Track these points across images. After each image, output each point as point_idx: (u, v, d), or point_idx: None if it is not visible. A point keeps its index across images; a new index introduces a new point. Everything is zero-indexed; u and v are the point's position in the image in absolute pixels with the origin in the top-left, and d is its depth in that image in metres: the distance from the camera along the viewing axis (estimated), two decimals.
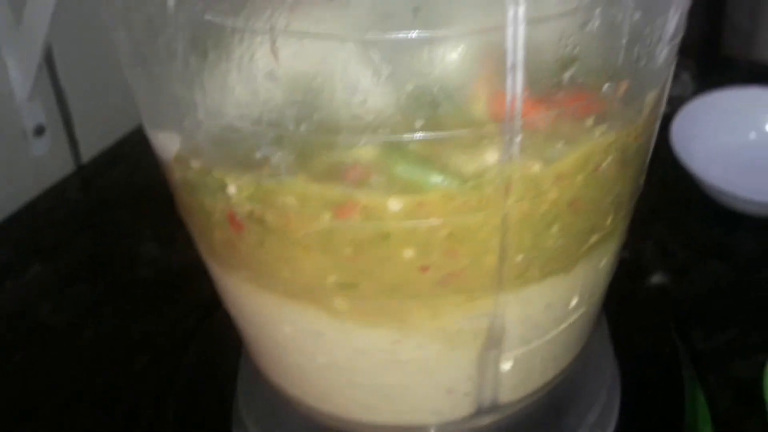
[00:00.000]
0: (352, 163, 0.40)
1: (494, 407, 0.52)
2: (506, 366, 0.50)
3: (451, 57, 0.39)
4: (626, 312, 0.63)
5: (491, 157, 0.41)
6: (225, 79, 0.40)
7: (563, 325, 0.51)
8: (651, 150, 0.49)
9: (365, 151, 0.40)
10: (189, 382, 0.65)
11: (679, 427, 0.59)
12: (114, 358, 0.79)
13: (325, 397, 0.53)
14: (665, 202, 0.90)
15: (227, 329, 0.56)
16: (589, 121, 0.42)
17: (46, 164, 1.00)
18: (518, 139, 0.40)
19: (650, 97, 0.45)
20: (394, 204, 0.41)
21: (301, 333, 0.49)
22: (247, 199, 0.43)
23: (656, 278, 0.84)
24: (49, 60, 0.98)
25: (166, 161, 0.47)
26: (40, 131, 0.98)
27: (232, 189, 0.43)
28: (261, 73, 0.39)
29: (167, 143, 0.46)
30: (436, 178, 0.41)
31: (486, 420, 0.53)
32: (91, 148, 1.06)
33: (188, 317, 0.82)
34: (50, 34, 0.91)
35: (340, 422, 0.54)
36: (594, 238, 0.47)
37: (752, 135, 1.00)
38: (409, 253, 0.43)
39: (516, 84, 0.39)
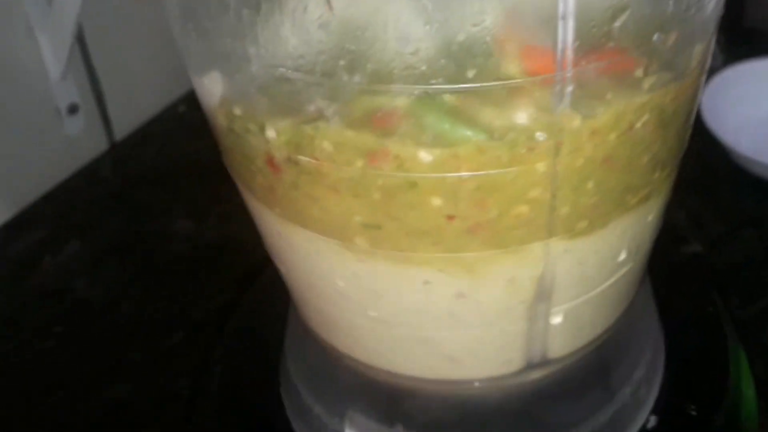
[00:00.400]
0: (390, 110, 0.41)
1: (544, 362, 0.52)
2: (556, 320, 0.50)
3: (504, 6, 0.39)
4: (667, 275, 0.63)
5: (525, 113, 0.41)
6: (278, 30, 0.40)
7: (611, 280, 0.51)
8: (696, 106, 0.49)
9: (403, 101, 0.40)
10: (236, 343, 0.65)
11: (724, 386, 0.59)
12: (151, 332, 0.80)
13: (374, 352, 0.54)
14: (697, 174, 0.89)
15: (274, 290, 0.56)
16: (638, 73, 0.42)
17: (79, 143, 1.01)
18: (569, 90, 0.40)
19: (698, 50, 0.45)
20: (426, 155, 0.41)
21: (347, 282, 0.49)
22: (285, 144, 0.44)
23: (691, 248, 0.84)
24: (81, 39, 0.98)
25: (211, 107, 0.47)
26: (73, 110, 0.99)
27: (271, 133, 0.44)
28: (314, 24, 0.39)
29: (212, 89, 0.46)
30: (466, 132, 0.41)
31: (535, 375, 0.53)
32: (124, 126, 1.06)
33: (223, 292, 0.82)
34: (82, 14, 0.91)
35: (389, 376, 0.54)
36: (642, 193, 0.47)
37: None
38: (437, 201, 0.43)
39: (567, 34, 0.39)
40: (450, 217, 0.43)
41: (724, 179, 0.92)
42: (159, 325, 0.80)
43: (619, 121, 0.42)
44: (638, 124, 0.43)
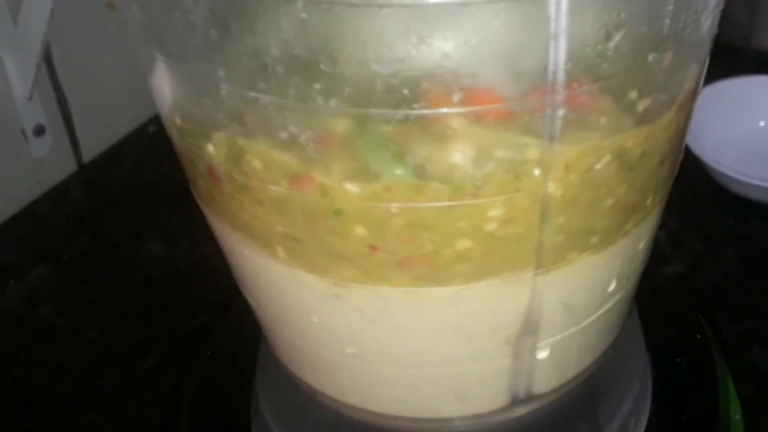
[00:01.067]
0: (324, 134, 0.39)
1: (529, 398, 0.51)
2: (542, 354, 0.48)
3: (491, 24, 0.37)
4: (651, 299, 0.62)
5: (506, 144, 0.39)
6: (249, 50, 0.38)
7: (601, 311, 0.49)
8: (689, 127, 0.47)
9: (342, 125, 0.38)
10: (206, 376, 0.63)
11: (713, 415, 0.58)
12: (120, 359, 0.77)
13: (350, 390, 0.52)
14: (677, 192, 0.88)
15: (245, 320, 0.55)
16: (632, 95, 0.40)
17: (46, 165, 0.99)
18: (560, 113, 0.38)
19: (692, 70, 0.43)
20: (352, 187, 0.39)
21: (320, 317, 0.47)
22: (224, 157, 0.42)
23: (672, 268, 0.83)
24: (48, 59, 0.96)
25: (164, 116, 0.46)
26: (40, 131, 0.96)
27: (210, 147, 0.43)
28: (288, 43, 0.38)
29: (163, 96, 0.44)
30: (398, 170, 0.39)
31: (520, 411, 0.51)
32: (92, 147, 1.04)
33: (195, 317, 0.80)
34: (48, 32, 0.89)
35: (365, 414, 0.52)
36: (634, 219, 0.45)
37: (762, 123, 1.00)
38: (360, 230, 0.41)
39: (559, 54, 0.37)
40: (373, 248, 0.42)
41: (705, 198, 0.91)
42: (129, 352, 0.78)
43: (616, 143, 0.40)
44: (630, 147, 0.41)
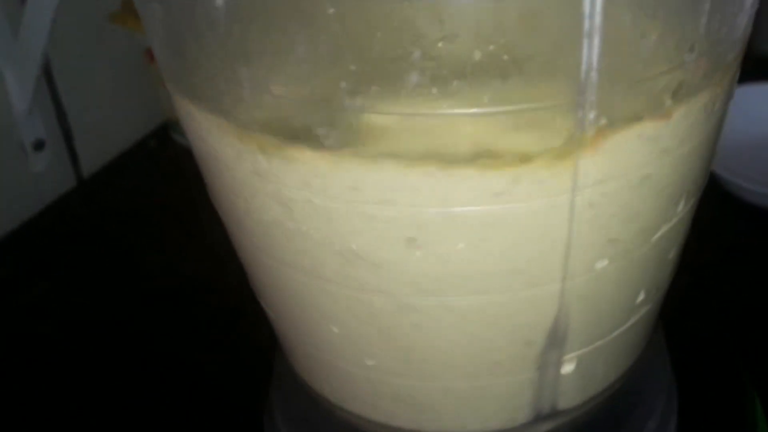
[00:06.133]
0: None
1: (553, 413, 0.49)
2: (568, 368, 0.47)
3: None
4: (675, 316, 0.60)
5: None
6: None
7: (629, 323, 0.47)
8: (721, 132, 0.46)
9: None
10: (216, 392, 0.61)
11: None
12: (123, 374, 0.75)
13: (369, 404, 0.50)
14: None
15: (257, 334, 0.53)
16: (667, 96, 0.39)
17: (46, 180, 0.97)
18: (592, 115, 0.37)
19: (727, 71, 0.42)
20: None
21: (341, 327, 0.45)
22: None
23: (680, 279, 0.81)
24: (47, 73, 0.95)
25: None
26: (39, 146, 0.95)
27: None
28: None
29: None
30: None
31: (544, 427, 0.50)
32: (92, 162, 1.02)
33: (197, 330, 0.79)
34: (48, 47, 0.88)
35: (385, 430, 0.51)
36: (665, 227, 0.44)
37: None
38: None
39: (592, 53, 0.35)
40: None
41: (712, 206, 0.90)
42: (130, 367, 0.76)
43: (651, 145, 0.39)
44: (665, 151, 0.40)
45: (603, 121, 0.37)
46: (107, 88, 1.02)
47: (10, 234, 0.94)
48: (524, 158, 0.37)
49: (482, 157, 0.37)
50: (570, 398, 0.49)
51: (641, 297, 0.47)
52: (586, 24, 0.35)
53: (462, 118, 0.36)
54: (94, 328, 0.81)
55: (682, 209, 0.45)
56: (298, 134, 0.38)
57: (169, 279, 0.86)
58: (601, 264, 0.42)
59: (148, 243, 0.92)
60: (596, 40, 0.35)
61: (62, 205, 0.99)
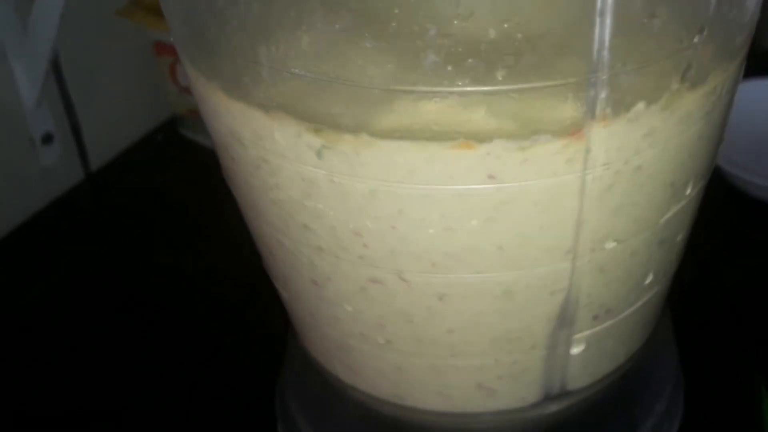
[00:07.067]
0: None
1: (563, 394, 0.50)
2: (578, 348, 0.47)
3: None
4: (682, 303, 0.61)
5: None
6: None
7: (637, 304, 0.48)
8: (729, 117, 0.46)
9: None
10: (228, 374, 0.62)
11: (748, 421, 0.57)
12: (132, 369, 0.76)
13: (381, 383, 0.51)
14: None
15: (269, 318, 0.53)
16: (676, 77, 0.39)
17: (54, 173, 0.97)
18: (603, 94, 0.37)
19: (736, 55, 0.42)
20: None
21: (354, 306, 0.46)
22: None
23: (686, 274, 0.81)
24: (56, 67, 0.95)
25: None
26: (48, 139, 0.95)
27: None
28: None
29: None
30: None
31: (553, 407, 0.50)
32: (100, 156, 1.03)
33: (206, 324, 0.78)
34: (57, 41, 0.88)
35: (396, 408, 0.51)
36: (673, 209, 0.44)
37: None
38: None
39: (604, 32, 0.36)
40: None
41: (717, 200, 0.90)
42: (138, 361, 0.76)
43: (660, 126, 0.39)
44: (673, 131, 0.40)
45: (614, 100, 0.38)
46: (115, 82, 1.02)
47: (18, 227, 0.94)
48: (536, 136, 0.37)
49: (494, 136, 0.37)
50: (579, 379, 0.50)
51: (650, 278, 0.47)
52: (599, 3, 0.35)
53: (476, 96, 0.37)
54: (102, 319, 0.81)
55: (691, 192, 0.45)
56: (316, 113, 0.38)
57: (176, 271, 0.86)
58: (611, 244, 0.43)
59: (156, 236, 0.92)
60: (608, 19, 0.36)
61: (70, 199, 0.99)
